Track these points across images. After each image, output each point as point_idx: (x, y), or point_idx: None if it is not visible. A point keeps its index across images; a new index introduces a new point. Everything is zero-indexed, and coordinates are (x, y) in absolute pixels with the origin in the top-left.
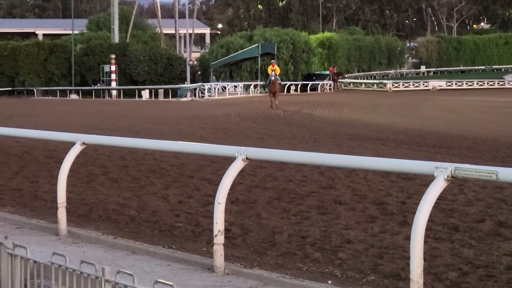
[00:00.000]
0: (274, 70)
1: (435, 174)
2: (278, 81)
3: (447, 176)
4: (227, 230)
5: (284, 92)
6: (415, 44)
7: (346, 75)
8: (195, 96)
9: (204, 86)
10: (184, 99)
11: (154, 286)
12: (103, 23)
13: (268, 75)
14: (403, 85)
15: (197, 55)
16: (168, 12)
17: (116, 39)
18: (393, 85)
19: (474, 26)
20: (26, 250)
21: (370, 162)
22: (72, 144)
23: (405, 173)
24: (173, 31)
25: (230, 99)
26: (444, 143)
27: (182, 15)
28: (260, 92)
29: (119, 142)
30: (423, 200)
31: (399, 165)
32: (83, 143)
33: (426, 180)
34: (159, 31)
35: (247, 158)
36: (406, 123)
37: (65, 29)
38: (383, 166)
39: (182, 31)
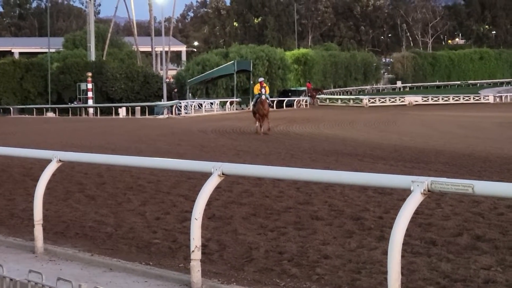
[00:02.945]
0: (263, 88)
1: (412, 188)
2: (268, 101)
3: (424, 190)
4: (204, 246)
5: None
6: (391, 60)
7: (323, 91)
8: (171, 113)
9: (180, 103)
10: (161, 116)
11: None
12: (80, 41)
13: (254, 94)
14: (379, 100)
15: (174, 72)
16: (144, 30)
17: (93, 57)
18: (369, 100)
19: (449, 41)
20: (2, 268)
21: (347, 176)
22: (48, 161)
23: (382, 187)
24: (150, 49)
25: (206, 116)
26: (421, 158)
27: (158, 33)
28: (236, 109)
29: (95, 159)
30: (400, 214)
31: (375, 179)
32: (60, 160)
33: (403, 194)
34: (136, 49)
35: (223, 174)
36: (383, 138)
37: (41, 47)
38: (359, 180)
39: (159, 48)
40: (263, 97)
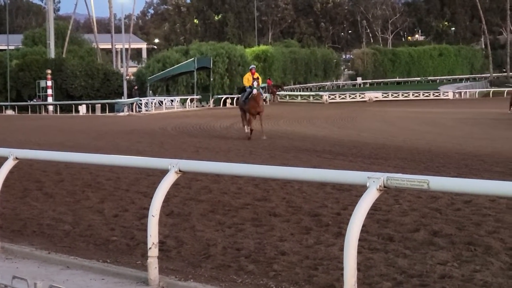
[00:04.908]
0: (255, 80)
1: (368, 184)
2: (262, 96)
3: (380, 186)
4: (162, 243)
5: (220, 105)
6: (351, 56)
7: (284, 88)
8: (132, 111)
9: (141, 100)
10: (121, 113)
11: None
12: (39, 38)
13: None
14: (339, 96)
15: (134, 70)
16: (104, 27)
17: (52, 54)
18: (329, 97)
19: (409, 38)
20: None
21: (304, 173)
22: (4, 159)
23: (338, 183)
24: (110, 46)
25: (167, 113)
26: (380, 154)
27: (118, 30)
28: (197, 106)
29: (53, 156)
30: (356, 210)
31: (332, 175)
32: (16, 157)
33: (362, 191)
34: (96, 46)
35: (180, 171)
36: (342, 135)
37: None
38: (316, 177)
39: (119, 46)
40: (255, 91)
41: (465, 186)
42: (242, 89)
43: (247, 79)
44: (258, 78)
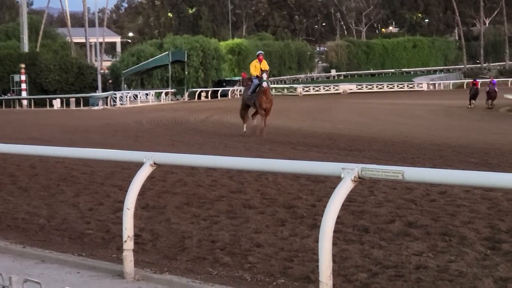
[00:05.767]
0: (264, 71)
1: (342, 175)
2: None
3: (354, 177)
4: (137, 236)
5: (195, 99)
6: (325, 49)
7: None
8: (107, 105)
9: (115, 94)
10: (96, 107)
11: None
12: (12, 32)
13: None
14: (313, 89)
15: (108, 63)
16: (78, 21)
17: (26, 48)
18: (303, 89)
19: (383, 30)
20: None
21: (277, 164)
22: None
23: (313, 175)
24: (84, 40)
25: (141, 107)
26: (355, 145)
27: (92, 24)
28: (171, 100)
29: (27, 150)
30: (330, 202)
31: (306, 167)
32: None
33: (336, 182)
34: (69, 40)
35: (155, 163)
36: (317, 127)
37: None
38: (290, 168)
39: (93, 40)
40: (264, 84)
41: (440, 176)
42: (217, 82)
43: (254, 67)
44: (267, 70)
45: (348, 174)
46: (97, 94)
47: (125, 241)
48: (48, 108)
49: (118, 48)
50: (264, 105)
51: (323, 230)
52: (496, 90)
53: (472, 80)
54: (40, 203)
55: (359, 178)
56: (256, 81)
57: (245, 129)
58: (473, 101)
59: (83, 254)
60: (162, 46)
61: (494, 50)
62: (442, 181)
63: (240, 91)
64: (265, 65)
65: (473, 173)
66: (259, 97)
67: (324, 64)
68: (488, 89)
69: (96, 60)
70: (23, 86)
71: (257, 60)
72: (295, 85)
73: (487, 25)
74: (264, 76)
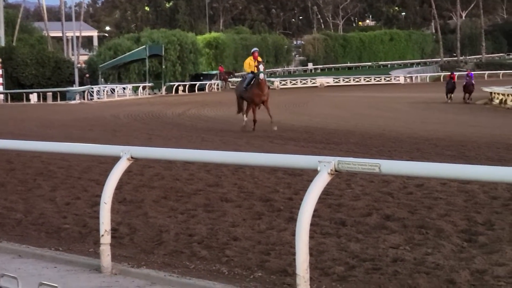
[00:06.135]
0: (260, 63)
1: (319, 168)
2: (267, 82)
3: (331, 170)
4: (114, 230)
5: (172, 93)
6: (302, 42)
7: (235, 74)
8: (84, 99)
9: (93, 88)
10: (73, 102)
11: None
12: None
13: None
14: (290, 82)
15: (85, 57)
16: (54, 15)
17: (2, 42)
18: (280, 82)
19: (360, 23)
20: None
21: (254, 158)
22: None
23: (289, 168)
24: (60, 34)
25: (119, 101)
26: (332, 139)
27: (69, 18)
28: (149, 94)
29: (3, 144)
30: (307, 195)
31: (283, 160)
32: None
33: (313, 175)
34: (46, 34)
35: (132, 157)
36: (294, 120)
37: None
38: (267, 161)
39: (70, 34)
40: (261, 76)
41: (417, 169)
42: (194, 76)
43: (248, 64)
44: (262, 63)
45: (325, 167)
46: (74, 88)
47: (102, 235)
48: (25, 102)
49: (95, 42)
50: (257, 99)
51: (299, 224)
52: (473, 83)
53: (449, 73)
54: (17, 198)
55: (336, 171)
56: (250, 75)
57: (245, 119)
58: (451, 95)
59: (60, 249)
60: (139, 40)
61: (470, 43)
62: (419, 174)
63: (217, 84)
64: (262, 62)
65: (450, 165)
66: (253, 90)
67: (301, 57)
68: (465, 82)
69: (73, 54)
70: (0, 80)
71: (251, 57)
72: (272, 79)
73: (463, 18)
74: (261, 67)
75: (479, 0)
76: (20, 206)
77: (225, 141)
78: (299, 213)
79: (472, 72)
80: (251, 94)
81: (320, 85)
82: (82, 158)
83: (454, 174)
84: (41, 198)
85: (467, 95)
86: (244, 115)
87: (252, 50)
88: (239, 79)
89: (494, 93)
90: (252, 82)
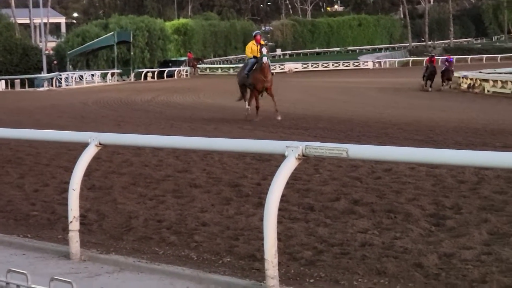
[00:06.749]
0: (263, 47)
1: (286, 153)
2: (270, 67)
3: (298, 155)
4: (83, 216)
5: (141, 79)
6: (270, 28)
7: (204, 61)
8: (52, 86)
9: (61, 75)
10: (41, 89)
11: (7, 275)
12: None
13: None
14: None
15: (53, 44)
16: (22, 2)
17: None
18: None
19: (328, 8)
20: None
21: (222, 143)
22: None
23: (257, 153)
24: (28, 21)
25: (87, 88)
26: (300, 124)
27: (36, 5)
28: (117, 80)
29: None
30: (274, 180)
31: (250, 145)
32: None
33: (281, 161)
34: (13, 21)
35: (100, 144)
36: (263, 106)
37: None
38: (235, 147)
39: (37, 20)
40: (265, 59)
41: (384, 153)
42: (163, 63)
43: (250, 49)
44: (265, 46)
45: (292, 152)
46: (42, 75)
47: (71, 222)
48: None
49: (63, 29)
50: (260, 85)
51: (267, 209)
52: (453, 69)
53: (428, 57)
54: None
55: (304, 156)
56: (253, 60)
57: (247, 107)
58: (431, 82)
59: (28, 236)
60: (107, 27)
61: (438, 28)
62: (387, 158)
63: (186, 71)
64: (265, 46)
65: (418, 150)
66: (256, 75)
67: (269, 43)
68: (443, 67)
69: (40, 41)
70: None
71: (253, 41)
72: (241, 65)
73: (431, 3)
74: (264, 50)
75: None
76: None
77: (194, 127)
78: (267, 198)
79: (452, 57)
80: (253, 80)
81: (289, 71)
82: (51, 145)
83: (422, 158)
84: (9, 185)
85: (446, 81)
86: (247, 103)
87: (253, 33)
88: (207, 66)
89: (463, 77)
90: (254, 67)
